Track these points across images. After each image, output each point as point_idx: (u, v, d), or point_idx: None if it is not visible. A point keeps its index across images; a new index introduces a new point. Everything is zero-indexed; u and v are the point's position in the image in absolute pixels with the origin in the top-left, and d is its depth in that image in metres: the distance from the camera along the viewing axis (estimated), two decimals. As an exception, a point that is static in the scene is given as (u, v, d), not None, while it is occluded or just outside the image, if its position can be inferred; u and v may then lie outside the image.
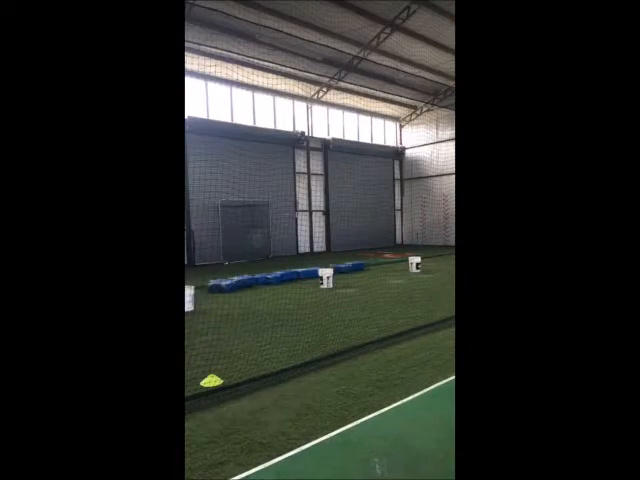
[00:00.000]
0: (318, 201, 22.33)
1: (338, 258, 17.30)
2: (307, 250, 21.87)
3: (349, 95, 22.12)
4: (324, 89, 21.24)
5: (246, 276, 11.87)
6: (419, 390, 4.32)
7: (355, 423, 3.66)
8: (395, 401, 4.07)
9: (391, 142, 26.49)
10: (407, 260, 14.38)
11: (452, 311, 6.51)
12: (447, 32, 16.48)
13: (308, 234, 21.93)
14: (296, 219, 21.35)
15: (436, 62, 19.39)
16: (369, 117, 25.04)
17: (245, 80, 18.32)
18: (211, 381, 4.56)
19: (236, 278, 11.48)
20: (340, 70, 19.71)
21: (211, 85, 18.65)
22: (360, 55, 18.54)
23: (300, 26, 15.74)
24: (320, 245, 22.53)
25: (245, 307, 8.59)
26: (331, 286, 11.01)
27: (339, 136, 23.48)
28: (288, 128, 21.38)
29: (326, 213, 22.84)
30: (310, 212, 22.08)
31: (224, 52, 16.62)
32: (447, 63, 18.91)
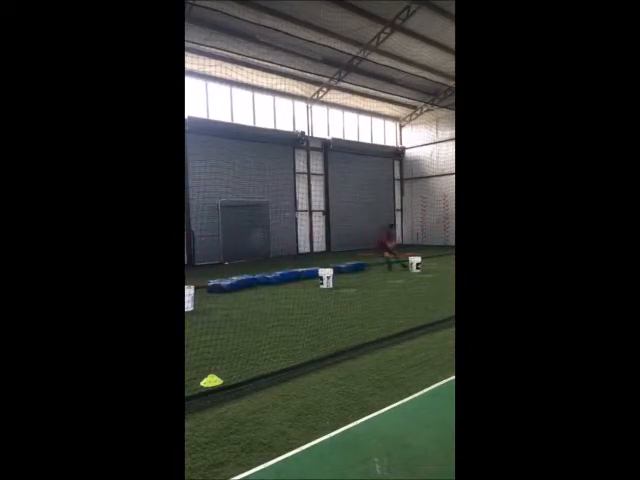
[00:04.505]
0: (318, 201, 22.32)
1: (338, 258, 17.29)
2: (307, 250, 21.86)
3: (349, 95, 22.12)
4: (324, 89, 21.24)
5: (246, 276, 11.85)
6: (419, 390, 4.31)
7: (355, 423, 3.65)
8: (395, 401, 4.07)
9: (391, 142, 26.49)
10: (407, 260, 14.38)
11: (452, 311, 6.51)
12: (447, 32, 16.48)
13: (308, 234, 21.93)
14: (296, 219, 21.35)
15: (436, 62, 19.40)
16: (369, 117, 25.04)
17: (245, 80, 18.33)
18: (211, 381, 4.56)
19: (236, 278, 11.47)
20: (340, 70, 19.70)
21: (211, 85, 18.65)
22: (360, 55, 18.54)
23: (300, 26, 15.73)
24: (320, 245, 22.52)
25: (245, 307, 8.59)
26: (331, 286, 11.00)
27: (339, 136, 23.47)
28: (288, 128, 21.37)
29: (326, 213, 22.83)
30: (310, 212, 22.07)
31: (224, 52, 16.63)
32: (447, 63, 18.91)
